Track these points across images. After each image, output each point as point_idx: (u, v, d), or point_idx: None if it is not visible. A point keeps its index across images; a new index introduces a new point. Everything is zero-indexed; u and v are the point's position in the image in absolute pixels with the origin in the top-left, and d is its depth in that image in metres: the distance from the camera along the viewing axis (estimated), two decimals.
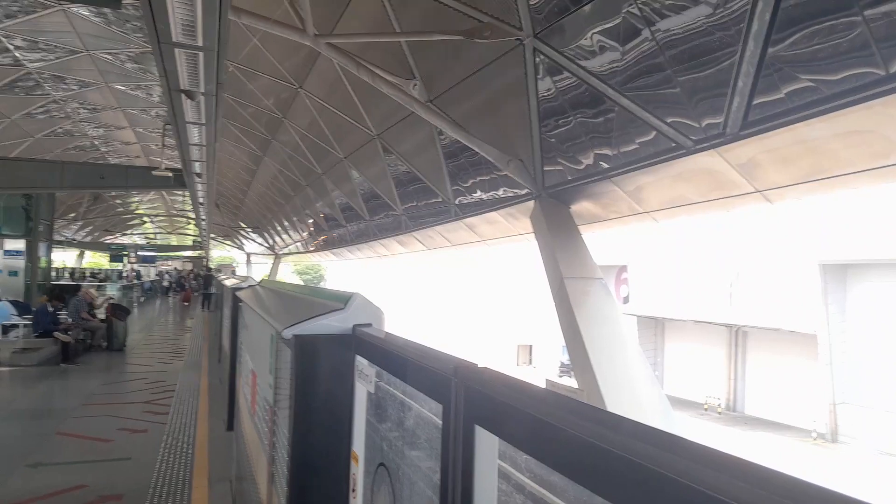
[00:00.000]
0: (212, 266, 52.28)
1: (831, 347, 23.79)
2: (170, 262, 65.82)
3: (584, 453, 0.82)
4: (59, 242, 38.84)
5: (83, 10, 12.32)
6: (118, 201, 40.01)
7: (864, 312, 23.64)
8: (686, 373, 31.70)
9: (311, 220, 24.42)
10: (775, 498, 0.58)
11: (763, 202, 6.44)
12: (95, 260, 71.60)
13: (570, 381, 23.88)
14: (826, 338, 23.81)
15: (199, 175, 12.68)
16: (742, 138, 5.39)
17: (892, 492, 18.87)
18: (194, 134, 8.86)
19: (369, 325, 2.14)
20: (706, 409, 29.25)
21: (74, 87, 17.11)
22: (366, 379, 1.98)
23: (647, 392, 7.59)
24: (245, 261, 58.60)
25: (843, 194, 7.19)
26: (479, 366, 1.22)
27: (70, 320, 14.45)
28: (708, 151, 5.80)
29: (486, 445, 1.12)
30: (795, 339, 25.47)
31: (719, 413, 28.73)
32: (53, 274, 26.74)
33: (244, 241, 50.89)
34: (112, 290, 25.05)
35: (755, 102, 5.12)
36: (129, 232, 56.52)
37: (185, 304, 34.86)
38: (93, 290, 16.67)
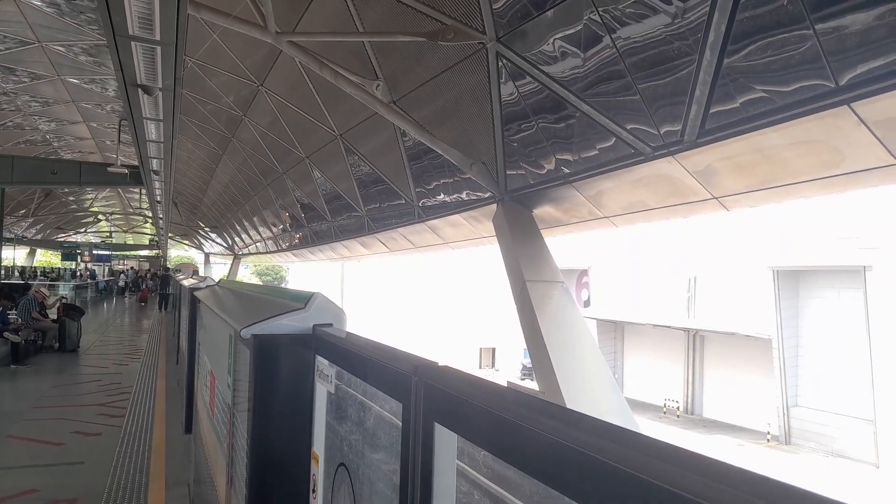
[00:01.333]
0: (170, 266, 51.36)
1: (784, 351, 24.46)
2: (126, 262, 64.30)
3: (541, 449, 0.84)
4: (9, 240, 37.68)
5: (35, 0, 11.97)
6: (71, 198, 38.93)
7: (816, 317, 24.36)
8: (645, 376, 32.22)
9: (271, 221, 24.15)
10: (730, 491, 0.60)
11: (720, 209, 6.59)
12: (47, 258, 69.63)
13: (532, 384, 24.08)
14: (779, 342, 24.46)
15: (156, 172, 12.44)
16: (699, 146, 5.52)
17: (839, 493, 19.44)
18: (152, 130, 8.69)
19: (330, 325, 2.13)
20: (665, 413, 29.78)
21: (25, 80, 16.59)
22: (326, 379, 1.98)
23: (606, 394, 7.69)
24: (203, 261, 57.69)
25: (796, 202, 7.42)
26: (440, 364, 1.23)
27: (20, 320, 14.01)
28: (666, 158, 5.92)
29: (446, 442, 1.13)
30: (751, 343, 26.11)
31: (678, 416, 29.27)
32: (2, 272, 25.91)
33: (203, 240, 50.07)
34: (65, 290, 24.35)
35: (712, 111, 5.25)
36: (82, 230, 55.04)
37: (142, 304, 34.11)
38: (44, 289, 16.18)
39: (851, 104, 4.39)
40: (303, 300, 2.21)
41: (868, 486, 20.38)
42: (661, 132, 5.77)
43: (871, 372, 21.98)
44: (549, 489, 0.80)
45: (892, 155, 4.70)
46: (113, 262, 55.37)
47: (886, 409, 21.88)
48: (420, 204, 11.21)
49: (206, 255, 54.66)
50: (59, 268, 51.34)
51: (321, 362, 2.04)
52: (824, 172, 5.28)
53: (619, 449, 0.73)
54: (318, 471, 2.02)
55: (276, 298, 2.62)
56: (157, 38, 5.03)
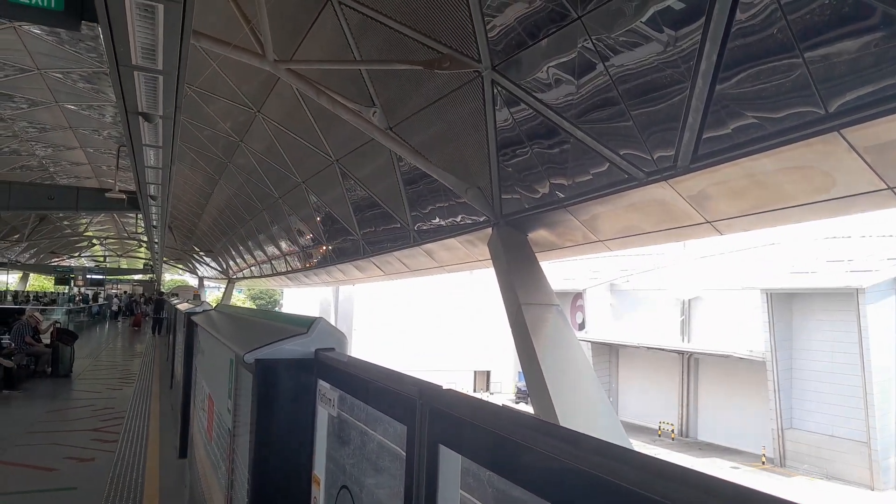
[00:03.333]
0: (164, 290, 51.15)
1: (778, 374, 24.46)
2: (119, 286, 64.05)
3: (545, 468, 0.88)
4: (2, 265, 37.54)
5: (35, 29, 12.10)
6: (66, 223, 38.88)
7: (810, 339, 24.41)
8: (640, 399, 32.12)
9: (266, 245, 24.16)
10: None
11: (713, 232, 6.66)
12: (40, 283, 69.30)
13: (527, 407, 23.97)
14: (773, 364, 24.48)
15: (153, 198, 12.48)
16: (692, 171, 5.60)
17: None
18: (150, 157, 8.75)
19: (332, 349, 2.17)
20: (660, 435, 29.65)
21: (24, 106, 16.70)
22: (328, 403, 2.00)
23: (602, 417, 7.70)
24: (198, 284, 57.52)
25: (788, 227, 7.50)
26: (444, 388, 1.27)
27: (13, 345, 13.92)
28: (660, 183, 6.00)
29: (451, 464, 1.17)
30: (745, 365, 26.10)
31: (673, 439, 29.15)
32: None
33: (197, 264, 49.98)
34: (58, 314, 24.23)
35: (704, 136, 5.34)
36: (76, 254, 54.89)
37: (136, 328, 33.92)
38: (37, 314, 16.09)
39: (841, 130, 4.48)
40: (305, 325, 2.25)
41: None
42: (655, 157, 5.85)
43: (864, 394, 21.99)
44: None
45: (882, 180, 4.79)
46: (106, 287, 55.13)
47: (880, 431, 21.86)
48: (415, 227, 11.27)
49: (201, 279, 54.55)
50: (51, 291, 51.08)
51: (323, 386, 2.07)
52: (815, 197, 5.36)
53: (618, 466, 0.77)
54: (320, 494, 2.04)
55: (277, 323, 2.65)
56: (160, 67, 5.11)
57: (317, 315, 2.46)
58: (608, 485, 0.76)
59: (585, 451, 0.82)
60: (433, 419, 1.21)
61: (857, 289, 22.07)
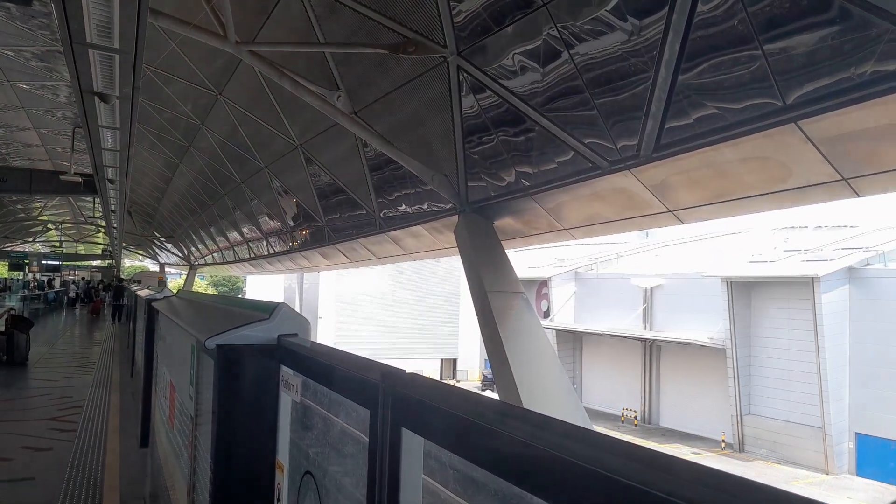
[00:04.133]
0: (123, 276, 50.09)
1: (738, 361, 25.05)
2: (77, 272, 62.50)
3: (503, 448, 0.89)
4: None
5: None
6: (19, 206, 37.72)
7: (768, 327, 25.02)
8: (604, 386, 32.61)
9: (229, 231, 23.81)
10: (680, 481, 0.66)
11: (675, 221, 6.76)
12: None
13: (493, 394, 24.18)
14: (732, 351, 25.05)
15: (111, 181, 12.18)
16: (655, 160, 5.68)
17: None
18: (108, 139, 8.52)
19: (295, 334, 2.15)
20: (623, 422, 30.16)
21: None
22: (291, 388, 1.99)
23: (566, 403, 7.80)
24: (158, 270, 56.31)
25: (747, 216, 7.67)
26: (407, 372, 1.27)
27: None
28: (623, 172, 6.08)
29: (413, 447, 1.17)
30: (706, 352, 26.66)
31: (636, 425, 29.67)
32: None
33: (158, 250, 49.04)
34: (13, 301, 23.57)
35: (667, 126, 5.41)
36: (30, 239, 53.34)
37: (94, 315, 33.20)
38: None
39: (798, 122, 4.58)
40: (267, 311, 2.22)
41: (817, 492, 20.94)
42: (618, 146, 5.92)
43: (819, 380, 22.66)
44: (512, 486, 0.85)
45: (837, 171, 4.91)
46: (63, 273, 53.76)
47: (834, 417, 22.58)
48: (381, 214, 11.22)
49: (161, 265, 53.53)
50: (5, 278, 49.63)
51: (286, 372, 2.05)
52: (773, 187, 5.48)
53: (575, 445, 0.78)
54: (283, 479, 2.03)
55: (239, 309, 2.62)
56: (116, 45, 4.97)
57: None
58: (566, 463, 0.77)
59: (547, 433, 0.83)
60: (395, 403, 1.21)
61: (812, 277, 22.66)
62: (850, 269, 23.24)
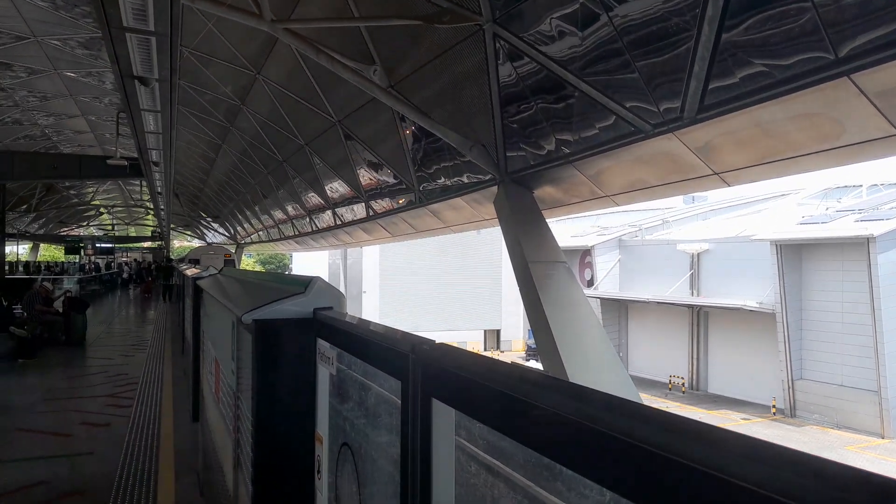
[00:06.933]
0: (172, 257, 51.39)
1: (788, 325, 24.46)
2: (129, 254, 64.43)
3: (532, 418, 0.85)
4: (11, 235, 37.77)
5: None
6: (73, 192, 38.97)
7: (820, 290, 24.34)
8: (650, 353, 32.30)
9: (272, 209, 24.15)
10: (731, 457, 0.61)
11: (721, 184, 6.57)
12: (50, 253, 69.84)
13: (537, 365, 24.18)
14: (783, 316, 24.47)
15: (156, 164, 12.44)
16: (699, 122, 5.49)
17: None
18: (150, 121, 8.68)
19: (330, 308, 2.15)
20: (671, 389, 29.88)
21: (23, 75, 16.56)
22: (327, 361, 1.99)
23: (611, 372, 7.73)
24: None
25: (796, 176, 7.39)
26: (436, 342, 1.24)
27: (25, 314, 14.08)
28: (666, 135, 5.90)
29: (443, 417, 1.15)
30: (755, 317, 26.11)
31: (683, 392, 29.37)
32: (6, 268, 26.00)
33: (205, 230, 50.18)
34: (69, 284, 24.43)
35: (711, 87, 5.22)
36: (84, 223, 55.12)
37: (147, 295, 34.23)
38: (48, 284, 16.23)
39: (851, 76, 4.36)
40: (303, 285, 2.23)
41: (872, 457, 20.47)
42: (661, 109, 5.74)
43: (875, 343, 22.00)
44: (542, 458, 0.81)
45: (893, 125, 4.68)
46: (116, 255, 55.49)
47: (891, 380, 21.94)
48: (421, 188, 11.20)
49: (209, 245, 54.72)
50: (62, 261, 51.48)
51: (322, 345, 2.05)
52: (825, 145, 5.26)
53: (610, 417, 0.74)
54: (323, 451, 2.05)
55: (276, 284, 2.63)
56: (152, 28, 5.02)
57: (326, 278, 2.45)
58: (604, 436, 0.73)
59: (571, 401, 0.80)
60: (426, 373, 1.19)
61: (867, 238, 21.88)
62: None
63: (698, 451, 0.63)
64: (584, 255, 34.27)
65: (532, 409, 0.85)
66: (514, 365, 1.03)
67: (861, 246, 22.19)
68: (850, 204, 26.61)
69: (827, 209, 26.96)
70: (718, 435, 0.66)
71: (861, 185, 28.37)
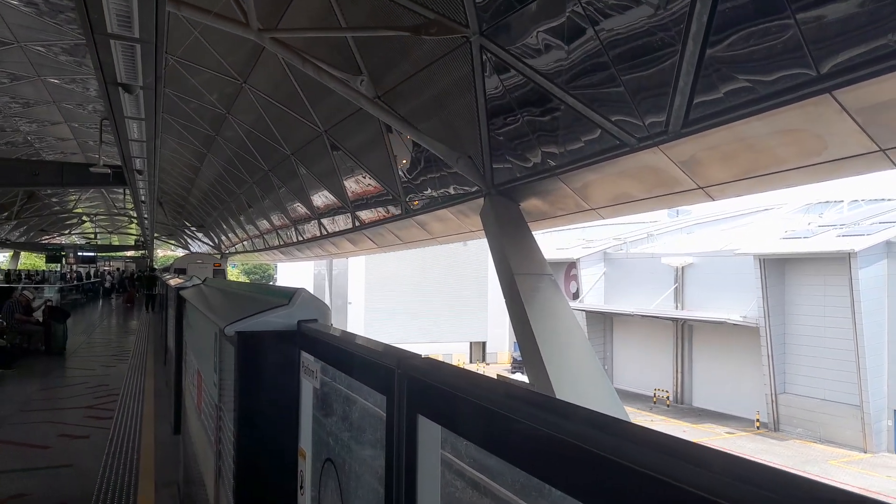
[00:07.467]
0: (155, 266, 50.88)
1: (772, 339, 24.64)
2: (111, 263, 63.76)
3: (518, 435, 0.84)
4: None
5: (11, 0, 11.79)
6: (55, 199, 38.49)
7: (803, 305, 24.55)
8: (635, 367, 32.39)
9: (258, 219, 24.02)
10: (715, 476, 0.60)
11: (705, 198, 6.61)
12: (31, 261, 68.96)
13: (523, 377, 24.15)
14: (766, 330, 24.64)
15: (139, 172, 12.33)
16: (684, 136, 5.54)
17: (828, 478, 19.65)
18: (134, 129, 8.61)
19: (315, 320, 2.12)
20: (655, 402, 29.95)
21: (5, 81, 16.37)
22: (311, 375, 1.97)
23: (596, 385, 7.72)
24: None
25: (779, 191, 7.46)
26: (422, 357, 1.23)
27: (4, 323, 13.86)
28: (651, 149, 5.94)
29: (429, 434, 1.13)
30: (739, 331, 26.27)
31: (668, 406, 29.45)
32: None
33: (189, 240, 49.80)
34: (50, 292, 24.10)
35: (696, 101, 5.26)
36: (66, 232, 54.50)
37: (129, 305, 33.84)
38: (28, 293, 16.00)
39: (833, 92, 4.42)
40: (286, 296, 2.20)
41: (855, 472, 20.60)
42: (646, 123, 5.78)
43: (857, 358, 22.21)
44: (530, 477, 0.80)
45: (874, 142, 4.74)
46: (99, 264, 54.90)
47: (872, 395, 22.13)
48: (407, 199, 11.19)
49: (196, 253, 54.24)
50: (43, 270, 50.83)
51: (306, 358, 2.03)
52: (807, 160, 5.31)
53: (598, 435, 0.73)
54: (306, 467, 2.01)
55: (260, 295, 2.60)
56: (137, 35, 4.97)
57: (311, 290, 2.42)
58: (590, 455, 0.72)
59: (569, 421, 0.78)
60: (412, 389, 1.17)
61: (849, 253, 22.14)
62: (889, 244, 22.66)
63: (684, 470, 0.62)
64: (570, 267, 34.39)
65: (520, 427, 0.84)
66: (502, 381, 1.01)
67: (842, 261, 22.45)
68: (832, 219, 26.93)
69: (809, 224, 27.27)
70: (705, 454, 0.65)
71: (842, 201, 28.73)
